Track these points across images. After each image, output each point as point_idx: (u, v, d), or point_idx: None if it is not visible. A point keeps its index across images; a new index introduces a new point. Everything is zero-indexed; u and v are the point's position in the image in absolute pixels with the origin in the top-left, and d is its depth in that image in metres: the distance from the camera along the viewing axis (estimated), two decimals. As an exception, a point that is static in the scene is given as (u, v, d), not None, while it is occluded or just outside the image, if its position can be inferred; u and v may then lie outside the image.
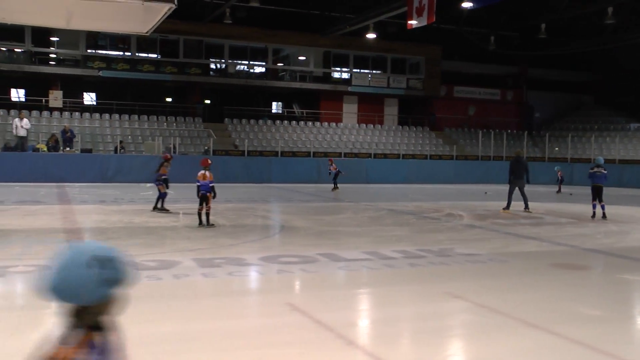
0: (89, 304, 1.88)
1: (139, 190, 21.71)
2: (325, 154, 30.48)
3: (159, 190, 15.28)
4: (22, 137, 25.32)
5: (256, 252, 10.05)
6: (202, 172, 12.71)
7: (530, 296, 7.46)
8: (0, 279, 7.82)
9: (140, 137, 29.97)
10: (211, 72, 34.42)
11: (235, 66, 34.99)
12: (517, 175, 17.43)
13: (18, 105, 30.24)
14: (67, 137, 26.39)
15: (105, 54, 32.21)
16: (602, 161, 16.78)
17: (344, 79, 37.08)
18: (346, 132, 35.29)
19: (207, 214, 12.69)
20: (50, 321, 6.26)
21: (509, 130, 38.26)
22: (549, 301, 7.24)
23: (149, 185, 23.14)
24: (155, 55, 32.89)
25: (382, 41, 34.57)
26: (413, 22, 24.14)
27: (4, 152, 25.45)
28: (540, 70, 41.94)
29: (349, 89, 36.60)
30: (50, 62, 31.48)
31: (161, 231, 12.16)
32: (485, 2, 27.67)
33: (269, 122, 34.82)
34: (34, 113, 29.46)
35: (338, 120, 36.68)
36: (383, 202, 19.82)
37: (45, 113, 30.05)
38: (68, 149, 26.29)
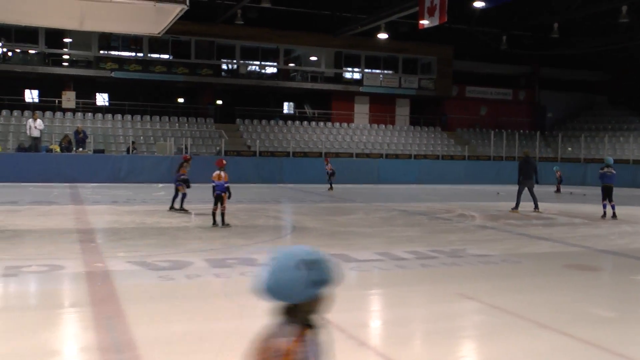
0: (299, 302, 2.10)
1: (151, 191, 21.80)
2: (337, 155, 30.48)
3: (177, 191, 15.33)
4: (35, 138, 25.55)
5: (268, 252, 10.03)
6: (217, 172, 12.74)
7: (543, 297, 7.41)
8: (14, 278, 7.88)
9: (152, 138, 30.12)
10: (223, 73, 34.47)
11: (247, 67, 35.04)
12: (526, 176, 17.42)
13: (32, 106, 30.49)
14: (80, 138, 26.59)
15: (118, 55, 32.36)
16: (611, 161, 16.85)
17: (356, 79, 37.02)
18: (358, 132, 35.23)
19: (222, 214, 12.73)
20: (60, 322, 6.31)
21: (521, 131, 37.99)
22: (562, 302, 7.19)
23: (161, 185, 23.30)
24: (167, 56, 33.02)
25: (394, 41, 34.40)
26: (425, 22, 24.05)
27: (17, 152, 25.71)
28: (552, 70, 41.57)
29: (361, 89, 36.54)
30: (64, 64, 31.69)
31: (173, 232, 12.20)
32: (497, 1, 27.54)
33: (281, 122, 34.86)
34: (47, 114, 29.69)
35: (349, 120, 36.62)
36: (395, 203, 19.78)
37: (59, 114, 30.29)
38: (81, 149, 26.49)
